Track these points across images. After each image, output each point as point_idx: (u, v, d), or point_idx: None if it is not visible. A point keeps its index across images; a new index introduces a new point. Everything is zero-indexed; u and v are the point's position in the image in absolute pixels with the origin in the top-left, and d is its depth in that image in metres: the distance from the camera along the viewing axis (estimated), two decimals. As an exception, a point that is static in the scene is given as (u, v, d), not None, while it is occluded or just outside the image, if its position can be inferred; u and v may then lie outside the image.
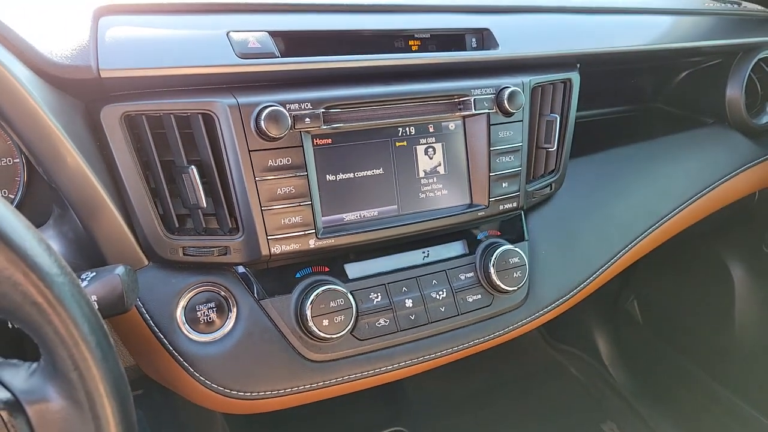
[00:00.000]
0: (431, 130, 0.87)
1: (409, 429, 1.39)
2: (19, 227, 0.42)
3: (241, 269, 0.78)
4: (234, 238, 0.75)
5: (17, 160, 0.81)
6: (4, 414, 0.43)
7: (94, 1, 0.71)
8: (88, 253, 0.73)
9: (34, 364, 0.47)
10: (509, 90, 0.87)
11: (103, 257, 0.72)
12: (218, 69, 0.73)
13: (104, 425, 0.45)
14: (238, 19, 0.78)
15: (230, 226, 0.76)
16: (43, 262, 0.42)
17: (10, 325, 0.60)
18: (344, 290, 0.78)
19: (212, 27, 0.75)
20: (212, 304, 0.76)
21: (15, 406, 0.44)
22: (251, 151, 0.73)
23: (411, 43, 0.90)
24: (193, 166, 0.71)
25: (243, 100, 0.72)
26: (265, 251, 0.75)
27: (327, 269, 0.81)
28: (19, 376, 0.45)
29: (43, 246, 0.43)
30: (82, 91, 0.68)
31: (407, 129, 0.85)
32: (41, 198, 0.82)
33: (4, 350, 0.58)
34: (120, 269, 0.59)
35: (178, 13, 0.75)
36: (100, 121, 0.69)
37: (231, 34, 0.75)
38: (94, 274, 0.59)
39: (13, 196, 0.82)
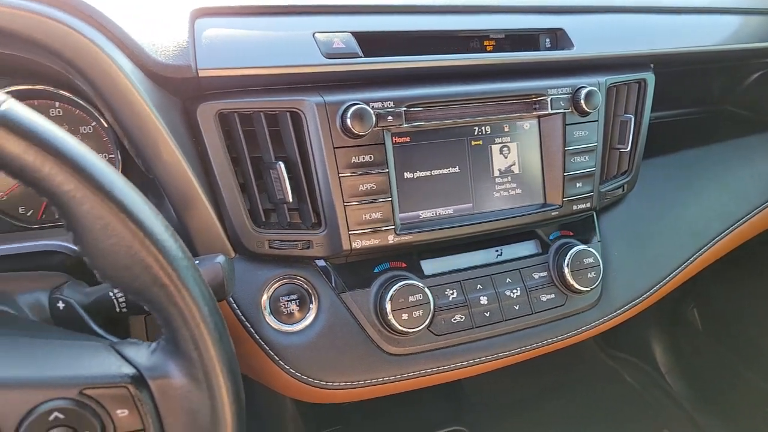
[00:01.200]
0: (506, 129, 0.88)
1: (468, 429, 1.39)
2: (150, 214, 0.44)
3: (321, 263, 0.80)
4: (317, 233, 0.77)
5: (113, 156, 0.86)
6: (131, 388, 0.46)
7: (189, 3, 0.75)
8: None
9: (153, 344, 0.50)
10: (586, 90, 0.87)
11: (194, 248, 0.75)
12: (306, 69, 0.75)
13: (219, 401, 0.47)
14: (322, 20, 0.80)
15: (313, 220, 0.78)
16: (170, 248, 0.45)
17: (117, 309, 0.64)
18: (423, 286, 0.79)
19: (299, 28, 0.78)
20: (295, 296, 0.78)
21: (140, 381, 0.46)
22: (336, 148, 0.75)
23: (486, 43, 0.91)
24: (281, 162, 0.74)
25: (329, 98, 0.74)
26: (346, 246, 0.77)
27: (404, 265, 0.83)
28: (141, 353, 0.48)
29: (170, 232, 0.46)
30: (181, 88, 0.72)
31: (483, 128, 0.86)
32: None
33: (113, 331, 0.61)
34: (221, 258, 0.61)
35: (267, 15, 0.78)
36: (195, 117, 0.72)
37: (316, 35, 0.78)
38: (198, 261, 0.62)
39: (106, 190, 0.86)
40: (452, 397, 1.47)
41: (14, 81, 0.77)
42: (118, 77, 0.64)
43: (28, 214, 0.84)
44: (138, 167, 0.83)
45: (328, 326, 0.78)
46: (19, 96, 0.79)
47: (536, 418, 1.63)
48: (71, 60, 0.62)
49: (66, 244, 0.80)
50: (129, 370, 0.47)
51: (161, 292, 0.45)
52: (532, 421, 1.62)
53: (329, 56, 0.76)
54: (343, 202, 0.76)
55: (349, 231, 0.77)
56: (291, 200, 0.75)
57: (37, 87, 0.78)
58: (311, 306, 0.79)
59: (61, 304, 0.60)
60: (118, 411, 0.46)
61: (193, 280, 0.46)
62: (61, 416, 0.44)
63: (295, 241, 0.77)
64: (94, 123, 0.85)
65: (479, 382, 1.20)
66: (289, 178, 0.75)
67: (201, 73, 0.70)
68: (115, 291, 0.63)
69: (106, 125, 0.82)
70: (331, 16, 0.81)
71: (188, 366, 0.47)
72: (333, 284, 0.80)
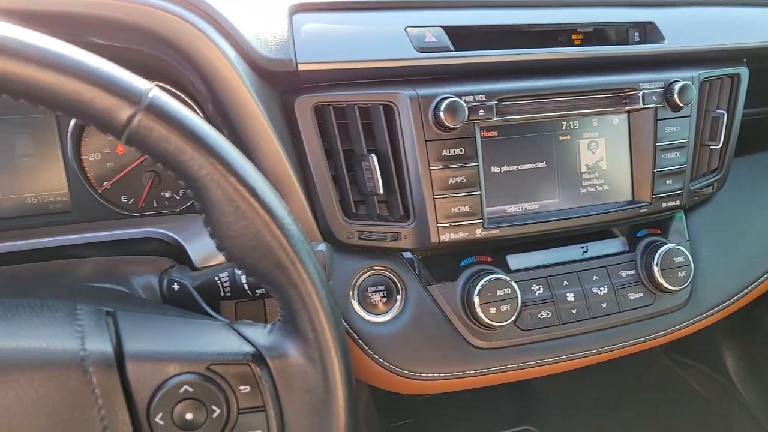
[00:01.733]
0: (595, 124, 0.86)
1: (537, 429, 1.38)
2: (276, 200, 0.46)
3: (407, 255, 0.81)
4: (405, 225, 0.78)
5: (206, 148, 0.89)
6: (253, 366, 0.48)
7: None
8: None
9: (269, 325, 0.51)
10: (680, 84, 0.84)
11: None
12: (400, 63, 0.76)
13: (333, 381, 0.49)
14: (412, 15, 0.81)
15: (401, 213, 0.79)
16: (294, 233, 0.46)
17: (221, 294, 0.66)
18: (510, 280, 0.79)
19: (391, 23, 0.79)
20: (382, 287, 0.80)
21: (260, 359, 0.48)
22: (427, 140, 0.76)
23: (574, 37, 0.90)
24: (373, 155, 0.75)
25: (422, 91, 0.75)
26: (434, 239, 0.77)
27: (490, 259, 0.83)
28: (258, 333, 0.50)
29: (292, 218, 0.47)
30: (280, 81, 0.74)
31: (571, 123, 0.85)
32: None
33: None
34: (322, 245, 0.63)
35: (360, 10, 0.80)
36: (293, 110, 0.74)
37: (408, 29, 0.79)
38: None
39: (200, 181, 0.89)
40: (520, 396, 1.46)
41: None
42: (226, 68, 0.67)
43: (130, 202, 0.88)
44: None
45: (414, 318, 0.79)
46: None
47: (601, 422, 1.60)
48: (184, 50, 0.65)
49: (165, 231, 0.84)
50: (250, 348, 0.49)
51: (284, 275, 0.46)
52: (597, 425, 1.58)
53: (421, 50, 0.77)
54: (433, 194, 0.77)
55: (437, 224, 0.77)
56: (381, 192, 0.76)
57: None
58: (398, 297, 0.80)
59: (176, 286, 0.63)
60: (241, 387, 0.47)
61: (312, 264, 0.47)
62: (190, 389, 0.46)
63: (383, 232, 0.78)
64: (190, 116, 0.88)
65: (545, 381, 1.18)
66: (379, 171, 0.76)
67: (300, 67, 0.72)
68: (221, 276, 0.66)
69: (202, 116, 0.85)
70: (421, 11, 0.82)
71: (305, 346, 0.48)
72: (419, 276, 0.80)
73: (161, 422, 0.45)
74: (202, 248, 0.83)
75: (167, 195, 0.89)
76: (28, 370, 0.42)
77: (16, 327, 0.45)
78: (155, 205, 0.89)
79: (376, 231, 0.78)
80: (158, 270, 0.70)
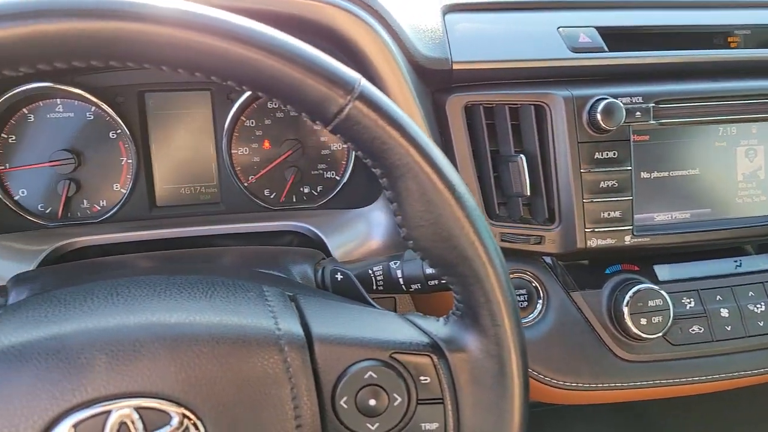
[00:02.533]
0: (754, 131, 0.81)
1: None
2: (470, 195, 0.46)
3: (548, 260, 0.79)
4: (550, 229, 0.76)
5: (345, 146, 0.91)
6: (434, 357, 0.48)
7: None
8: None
9: (441, 319, 0.51)
10: None
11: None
12: (554, 63, 0.75)
13: (510, 380, 0.48)
14: (564, 15, 0.80)
15: (545, 216, 0.77)
16: (484, 227, 0.46)
17: (374, 287, 0.67)
18: (662, 291, 0.75)
19: (543, 23, 0.78)
20: (522, 291, 0.78)
21: (439, 351, 0.48)
22: (579, 143, 0.74)
23: (729, 39, 0.85)
24: (522, 155, 0.74)
25: (577, 92, 0.73)
26: (581, 244, 0.75)
27: (637, 268, 0.79)
28: (435, 326, 0.50)
29: (487, 224, 0.47)
30: (434, 79, 0.75)
31: (729, 129, 0.80)
32: (361, 179, 0.91)
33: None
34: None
35: (511, 10, 0.79)
36: (444, 108, 0.75)
37: (561, 29, 0.77)
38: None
39: (338, 178, 0.92)
40: (638, 420, 1.39)
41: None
42: (389, 63, 0.68)
43: (272, 196, 0.91)
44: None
45: (557, 325, 0.77)
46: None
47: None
48: (349, 43, 0.66)
49: (305, 225, 0.86)
50: (428, 340, 0.49)
51: (470, 268, 0.46)
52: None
53: (575, 50, 0.76)
54: (582, 198, 0.74)
55: (585, 229, 0.75)
56: (528, 194, 0.75)
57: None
58: (539, 302, 0.78)
59: (339, 276, 0.65)
60: (421, 378, 0.48)
61: (499, 260, 0.47)
62: (374, 376, 0.46)
63: (527, 235, 0.77)
64: (333, 114, 0.91)
65: (665, 404, 1.12)
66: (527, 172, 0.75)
67: (455, 66, 0.73)
68: (374, 269, 0.67)
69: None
70: (573, 11, 0.81)
71: (484, 341, 0.48)
72: (562, 282, 0.78)
73: (345, 406, 0.46)
74: (340, 243, 0.85)
75: (306, 191, 0.92)
76: (233, 345, 0.44)
77: (218, 303, 0.47)
78: (294, 200, 0.92)
79: (519, 233, 0.77)
80: (310, 260, 0.72)
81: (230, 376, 0.43)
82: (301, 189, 0.92)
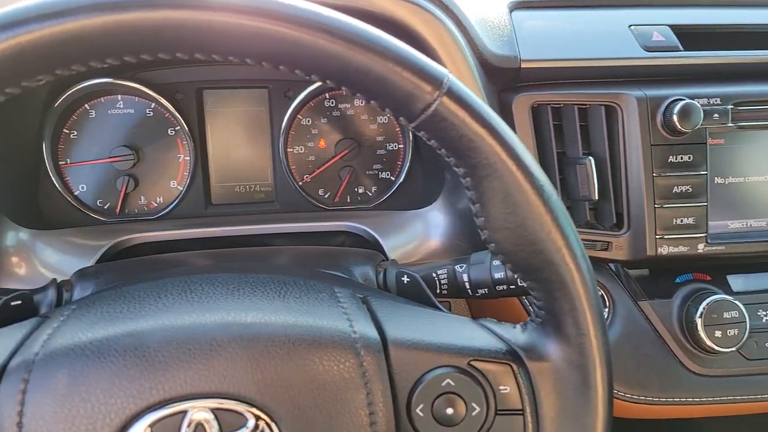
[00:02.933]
0: (839, 136, 0.77)
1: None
2: (557, 198, 0.43)
3: (615, 267, 0.76)
4: (617, 234, 0.73)
5: (402, 145, 0.90)
6: (514, 366, 0.46)
7: (504, -3, 0.76)
8: (468, 231, 0.78)
9: (518, 325, 0.49)
10: None
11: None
12: (626, 62, 0.72)
13: (594, 392, 0.45)
14: (636, 13, 0.77)
15: (613, 221, 0.74)
16: (572, 232, 0.44)
17: (438, 291, 0.65)
18: (738, 303, 0.71)
19: (613, 21, 0.75)
20: (587, 299, 0.75)
21: (519, 359, 0.46)
22: (653, 145, 0.70)
23: (811, 39, 0.81)
24: (590, 157, 0.71)
25: (651, 92, 0.70)
26: (650, 251, 0.72)
27: (708, 278, 0.76)
28: (513, 332, 0.48)
29: (574, 228, 0.45)
30: (501, 77, 0.73)
31: (810, 133, 0.76)
32: (417, 180, 0.90)
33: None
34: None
35: (580, 7, 0.76)
36: (509, 108, 0.73)
37: (632, 27, 0.74)
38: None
39: (394, 178, 0.90)
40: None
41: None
42: (460, 59, 0.66)
43: (326, 196, 0.90)
44: (428, 154, 0.86)
45: (624, 335, 0.73)
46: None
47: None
48: (420, 37, 0.65)
49: (360, 225, 0.85)
50: (507, 347, 0.47)
51: (556, 273, 0.44)
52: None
53: (649, 49, 0.73)
54: (654, 203, 0.71)
55: (655, 235, 0.72)
56: (596, 198, 0.72)
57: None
58: (604, 311, 0.75)
59: (405, 279, 0.63)
60: (501, 387, 0.45)
61: (587, 266, 0.44)
62: (452, 383, 0.44)
63: (593, 241, 0.74)
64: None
65: (736, 422, 1.07)
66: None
67: (523, 64, 0.70)
68: (439, 273, 0.65)
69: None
70: (645, 9, 0.78)
71: (567, 350, 0.45)
72: (629, 291, 0.75)
73: (421, 414, 0.44)
74: (397, 244, 0.83)
75: (360, 191, 0.91)
76: (309, 346, 0.42)
77: (292, 303, 0.46)
78: (349, 200, 0.91)
79: (584, 239, 0.74)
80: (370, 262, 0.71)
81: (305, 378, 0.42)
82: (356, 189, 0.91)
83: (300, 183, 0.89)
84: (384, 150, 0.90)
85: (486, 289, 0.62)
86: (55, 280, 0.65)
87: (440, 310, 0.59)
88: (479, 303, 0.87)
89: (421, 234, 0.82)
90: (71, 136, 0.82)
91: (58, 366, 0.40)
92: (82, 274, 0.66)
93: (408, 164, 0.88)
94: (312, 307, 0.46)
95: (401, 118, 0.42)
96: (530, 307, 0.75)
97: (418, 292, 0.62)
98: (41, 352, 0.41)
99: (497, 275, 0.61)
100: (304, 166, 0.89)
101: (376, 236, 0.83)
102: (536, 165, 0.43)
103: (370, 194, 0.91)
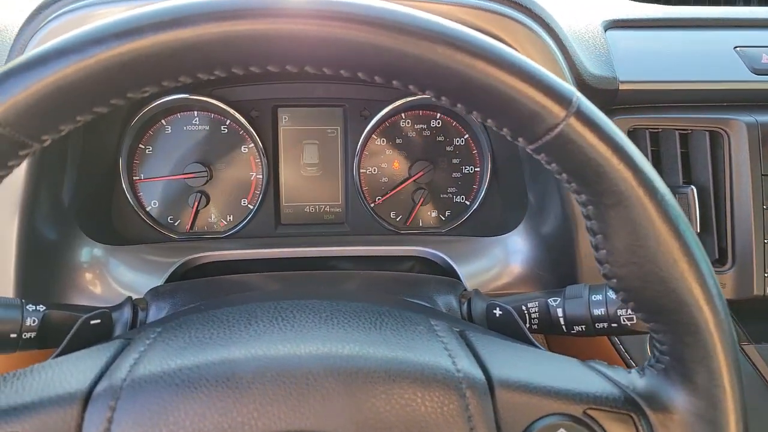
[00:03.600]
0: None
1: None
2: (692, 232, 0.39)
3: (714, 306, 0.70)
4: (721, 271, 0.67)
5: (478, 168, 0.86)
6: (635, 416, 0.41)
7: (596, 14, 0.72)
8: (551, 259, 0.73)
9: (634, 370, 0.44)
10: None
11: (575, 270, 0.71)
12: (732, 85, 0.67)
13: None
14: (740, 34, 0.71)
15: (716, 256, 0.68)
16: (710, 271, 0.39)
17: (527, 324, 0.61)
18: None
19: (717, 42, 0.70)
20: (684, 340, 0.69)
21: (638, 409, 0.41)
22: (764, 175, 0.65)
23: None
24: (692, 187, 0.66)
25: (762, 118, 0.65)
26: (759, 290, 0.66)
27: (822, 321, 0.69)
28: (630, 377, 0.43)
29: (711, 267, 0.40)
30: (597, 100, 0.67)
31: None
32: (494, 205, 0.86)
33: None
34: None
35: (680, 28, 0.72)
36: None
37: (738, 49, 0.69)
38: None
39: (469, 203, 0.87)
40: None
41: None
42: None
43: (398, 219, 0.87)
44: (509, 178, 0.82)
45: (726, 381, 0.67)
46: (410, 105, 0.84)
47: None
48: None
49: (435, 251, 0.81)
50: (624, 394, 0.42)
51: (690, 316, 0.39)
52: None
53: (757, 72, 0.67)
54: (763, 238, 0.65)
55: (764, 273, 0.66)
56: (698, 230, 0.67)
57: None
58: (703, 354, 0.69)
59: (498, 311, 0.59)
60: (620, 439, 0.41)
61: (724, 309, 0.39)
62: (566, 434, 0.40)
63: (692, 277, 0.68)
64: (467, 135, 0.86)
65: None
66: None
67: (621, 86, 0.66)
68: (529, 306, 0.61)
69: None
70: (750, 30, 0.72)
71: (698, 402, 0.40)
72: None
73: (531, 464, 0.40)
74: (473, 271, 0.79)
75: (433, 215, 0.87)
76: (411, 384, 0.39)
77: (389, 336, 0.43)
78: (421, 224, 0.87)
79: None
80: (452, 291, 0.67)
81: (406, 419, 0.38)
82: (429, 213, 0.87)
83: (372, 205, 0.86)
84: (459, 173, 0.86)
85: (583, 326, 0.57)
86: (130, 298, 0.63)
87: (538, 347, 0.54)
88: (557, 338, 0.82)
89: (500, 261, 0.78)
90: (146, 152, 0.82)
91: (146, 394, 0.37)
92: (156, 293, 0.65)
93: (485, 189, 0.85)
94: (411, 340, 0.43)
95: (520, 139, 0.39)
96: (651, 349, 0.69)
97: (511, 326, 0.57)
98: (128, 378, 0.38)
99: (597, 312, 0.56)
100: (376, 188, 0.86)
101: (451, 262, 0.79)
102: (670, 195, 0.39)
103: (443, 218, 0.87)
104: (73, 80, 0.33)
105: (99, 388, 0.38)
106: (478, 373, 0.41)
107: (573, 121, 0.37)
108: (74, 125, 0.35)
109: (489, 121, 0.39)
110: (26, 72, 0.33)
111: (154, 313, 0.62)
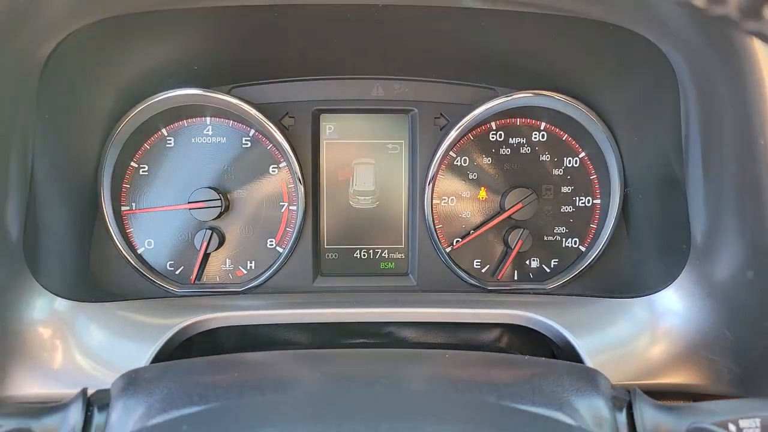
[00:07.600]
0: None
1: None
2: None
3: None
4: None
5: (598, 201, 0.62)
6: None
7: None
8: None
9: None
10: None
11: None
12: None
13: None
14: None
15: None
16: None
17: None
18: None
19: None
20: None
21: None
22: None
23: None
24: None
25: None
26: None
27: None
28: None
29: None
30: None
31: None
32: (623, 252, 0.61)
33: None
34: None
35: None
36: None
37: None
38: None
39: (584, 248, 0.62)
40: None
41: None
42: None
43: (483, 270, 0.63)
44: (648, 215, 0.58)
45: None
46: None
47: None
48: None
49: (538, 317, 0.56)
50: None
51: None
52: None
53: None
54: None
55: None
56: None
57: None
58: None
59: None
60: None
61: None
62: None
63: None
64: (583, 153, 0.62)
65: None
66: None
67: None
68: (742, 426, 0.35)
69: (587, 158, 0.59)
70: None
71: None
72: None
73: None
74: (598, 347, 0.53)
75: (534, 264, 0.63)
76: None
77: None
78: (516, 276, 0.63)
79: None
80: (592, 386, 0.41)
81: None
82: (529, 262, 0.63)
83: (447, 249, 0.62)
84: (571, 207, 0.62)
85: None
86: (84, 392, 0.40)
87: None
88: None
89: (642, 331, 0.53)
90: (140, 172, 0.60)
91: None
92: (129, 382, 0.41)
93: (611, 229, 0.60)
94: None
95: None
96: None
97: None
98: None
99: None
100: (454, 225, 0.62)
101: (566, 334, 0.53)
102: None
103: (548, 270, 0.63)
104: None
105: None
106: None
107: None
108: None
109: None
110: None
111: (117, 419, 0.38)
